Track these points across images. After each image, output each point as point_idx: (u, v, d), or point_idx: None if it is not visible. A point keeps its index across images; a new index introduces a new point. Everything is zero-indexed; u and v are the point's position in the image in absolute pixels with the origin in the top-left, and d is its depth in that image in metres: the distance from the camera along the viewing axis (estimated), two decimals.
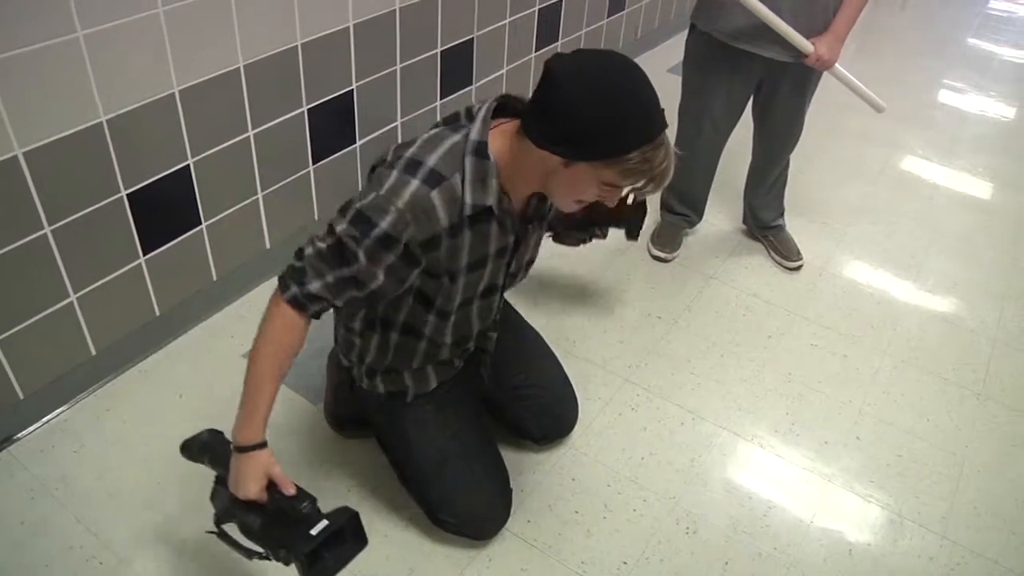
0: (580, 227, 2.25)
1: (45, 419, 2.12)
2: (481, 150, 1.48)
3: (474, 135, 1.49)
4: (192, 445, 1.66)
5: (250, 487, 1.48)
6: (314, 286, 1.48)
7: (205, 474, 2.01)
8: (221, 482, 1.59)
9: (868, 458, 2.24)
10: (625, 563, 1.92)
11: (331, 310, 1.54)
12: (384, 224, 1.43)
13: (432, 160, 1.48)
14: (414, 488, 1.92)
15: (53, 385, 2.11)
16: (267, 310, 1.52)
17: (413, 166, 1.47)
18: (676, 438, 2.24)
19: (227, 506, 1.56)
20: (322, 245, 1.48)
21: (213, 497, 1.61)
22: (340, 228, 1.46)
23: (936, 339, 2.68)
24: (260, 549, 1.53)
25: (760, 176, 2.90)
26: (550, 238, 2.26)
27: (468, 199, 1.49)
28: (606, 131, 1.37)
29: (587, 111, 1.37)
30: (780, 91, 2.56)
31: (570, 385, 2.17)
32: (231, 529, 1.56)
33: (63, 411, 2.15)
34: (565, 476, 2.11)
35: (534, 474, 2.10)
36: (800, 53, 2.35)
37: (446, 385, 1.90)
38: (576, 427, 2.19)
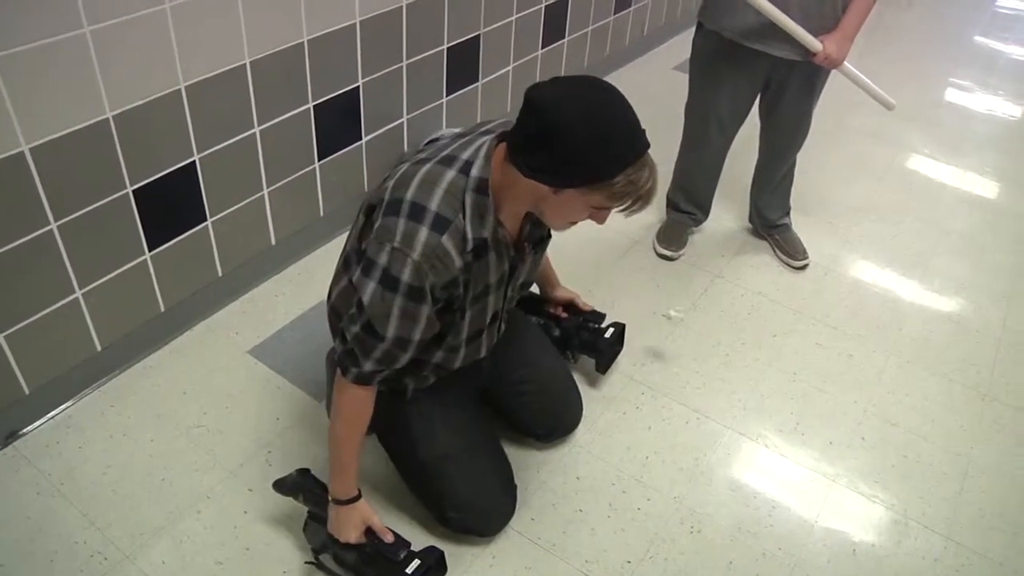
0: (557, 346, 2.27)
1: (50, 414, 2.13)
2: (482, 187, 1.52)
3: (476, 172, 1.52)
4: (285, 483, 1.84)
5: (351, 534, 1.69)
6: (368, 366, 1.60)
7: (209, 470, 2.02)
8: (315, 518, 1.78)
9: (873, 458, 2.24)
10: (629, 562, 1.92)
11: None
12: (406, 278, 1.48)
13: (434, 204, 1.50)
14: (417, 485, 1.92)
15: (58, 380, 2.11)
16: (337, 387, 1.66)
17: (418, 212, 1.50)
18: (681, 437, 2.24)
19: (325, 541, 1.75)
20: (357, 329, 1.56)
21: (306, 529, 1.80)
22: (367, 295, 1.51)
23: (942, 339, 2.67)
24: None
25: (766, 175, 2.89)
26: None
27: (470, 234, 1.52)
28: (591, 158, 1.40)
29: (570, 140, 1.39)
30: (787, 90, 2.56)
31: (573, 382, 2.17)
32: (327, 560, 1.77)
33: (68, 407, 2.16)
34: (569, 474, 2.11)
35: (538, 472, 2.10)
36: (809, 51, 2.34)
37: (445, 381, 1.90)
38: (580, 425, 2.19)
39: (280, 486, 1.83)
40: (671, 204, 2.99)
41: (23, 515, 1.89)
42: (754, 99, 2.65)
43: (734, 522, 2.03)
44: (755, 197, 2.99)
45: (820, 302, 2.78)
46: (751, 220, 3.08)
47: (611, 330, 2.31)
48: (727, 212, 3.16)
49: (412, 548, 1.71)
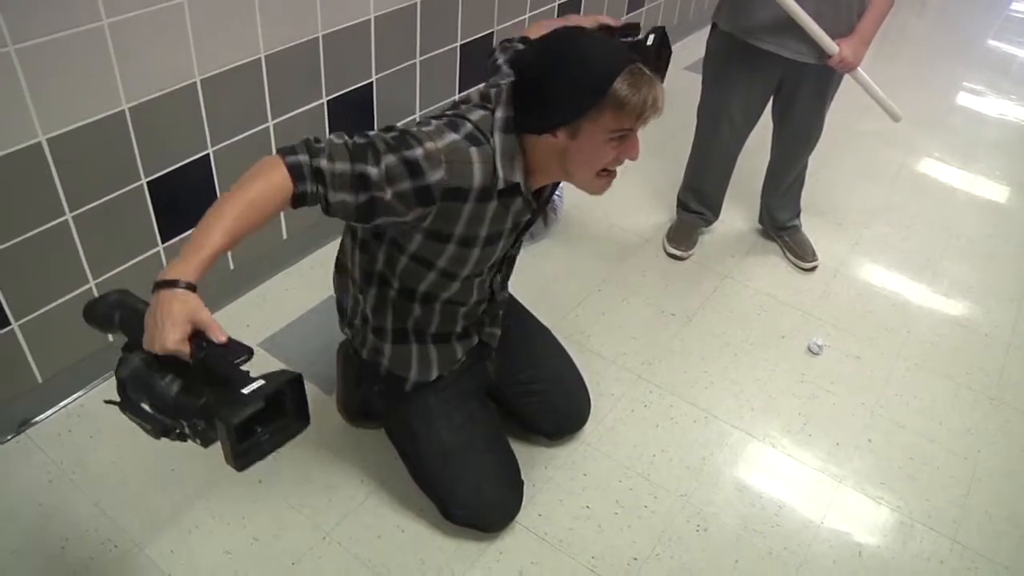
0: None
1: (63, 403, 2.14)
2: (508, 126, 1.52)
3: (500, 112, 1.53)
4: (98, 307, 1.33)
5: (169, 334, 1.17)
6: (323, 163, 1.38)
7: (217, 461, 2.03)
8: (131, 348, 1.26)
9: (880, 460, 2.24)
10: (635, 559, 1.92)
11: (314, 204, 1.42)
12: (418, 153, 1.44)
13: (469, 125, 1.52)
14: (424, 481, 1.93)
15: (71, 370, 2.13)
16: (258, 164, 1.38)
17: (454, 124, 1.51)
18: (688, 436, 2.25)
19: (136, 369, 1.23)
20: (348, 139, 1.43)
21: (119, 367, 1.26)
22: (375, 133, 1.47)
23: (950, 342, 2.67)
24: (172, 423, 1.22)
25: (778, 177, 2.89)
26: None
27: (502, 173, 1.52)
28: (581, 78, 1.43)
29: (556, 74, 1.44)
30: (800, 92, 2.56)
31: (581, 380, 2.18)
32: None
33: (80, 396, 2.17)
34: (576, 471, 2.11)
35: (545, 469, 2.11)
36: (823, 54, 2.34)
37: (449, 378, 1.90)
38: (588, 423, 2.20)
39: (91, 313, 1.34)
40: (681, 204, 2.99)
41: (35, 502, 1.91)
42: (767, 101, 2.65)
43: (740, 521, 2.04)
44: (766, 199, 3.00)
45: (829, 304, 2.78)
46: (761, 221, 3.09)
47: (652, 36, 2.18)
48: (737, 213, 3.17)
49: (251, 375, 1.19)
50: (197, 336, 1.19)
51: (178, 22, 1.94)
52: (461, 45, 2.88)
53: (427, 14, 2.65)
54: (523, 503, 1.96)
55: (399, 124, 1.51)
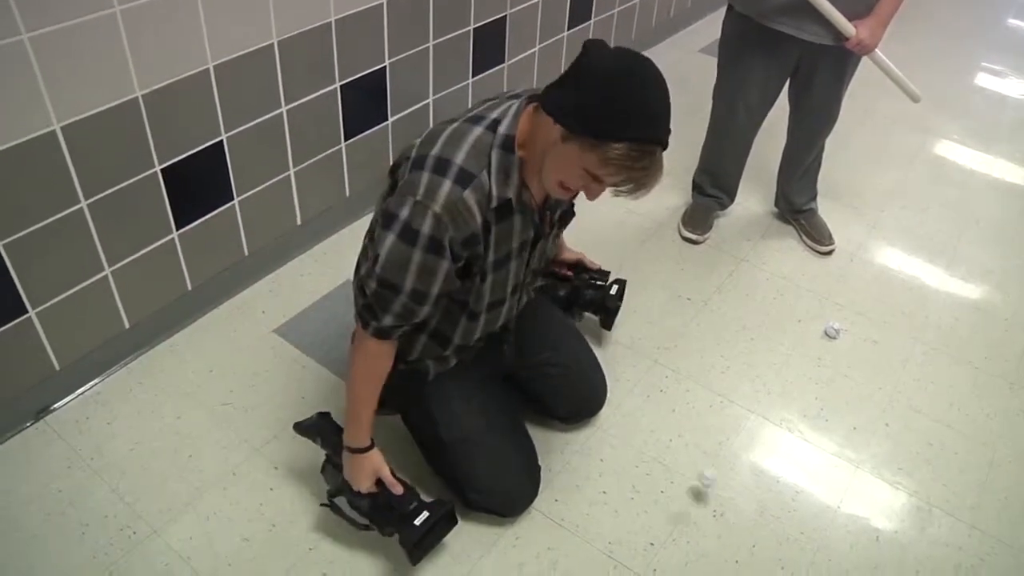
0: (562, 306, 2.27)
1: (80, 391, 2.16)
2: (508, 144, 1.52)
3: (503, 129, 1.53)
4: (305, 425, 1.87)
5: (363, 483, 1.73)
6: (387, 321, 1.61)
7: (235, 448, 2.05)
8: (332, 462, 1.82)
9: (897, 445, 2.23)
10: (652, 544, 1.92)
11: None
12: (426, 231, 1.48)
13: (460, 158, 1.51)
14: (440, 465, 1.94)
15: (88, 357, 2.14)
16: (355, 341, 1.70)
17: (442, 167, 1.50)
18: (704, 421, 2.24)
19: (340, 486, 1.78)
20: (375, 285, 1.58)
21: (324, 471, 1.84)
22: (385, 248, 1.53)
23: (968, 327, 2.65)
24: (366, 522, 1.76)
25: (794, 160, 2.87)
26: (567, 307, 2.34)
27: (495, 191, 1.52)
28: (604, 113, 1.40)
29: (596, 90, 1.40)
30: (817, 75, 2.53)
31: (598, 364, 2.17)
32: (342, 503, 1.78)
33: (97, 383, 2.18)
34: (593, 456, 2.11)
35: (562, 454, 2.11)
36: (840, 35, 2.31)
37: (467, 363, 1.91)
38: (604, 408, 2.19)
39: (300, 427, 1.88)
40: (697, 188, 2.97)
41: (55, 488, 1.92)
42: (783, 84, 2.63)
43: (757, 506, 2.03)
44: (782, 182, 2.97)
45: (846, 288, 2.76)
46: (777, 204, 3.06)
47: (615, 287, 2.35)
48: (753, 196, 3.14)
49: (423, 499, 1.76)
50: (381, 482, 1.75)
51: (190, 8, 1.93)
52: (474, 28, 2.86)
53: None
54: (540, 488, 1.96)
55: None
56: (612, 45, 1.45)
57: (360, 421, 1.71)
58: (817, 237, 2.93)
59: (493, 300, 1.74)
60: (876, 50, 2.38)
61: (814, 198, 2.99)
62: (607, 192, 1.53)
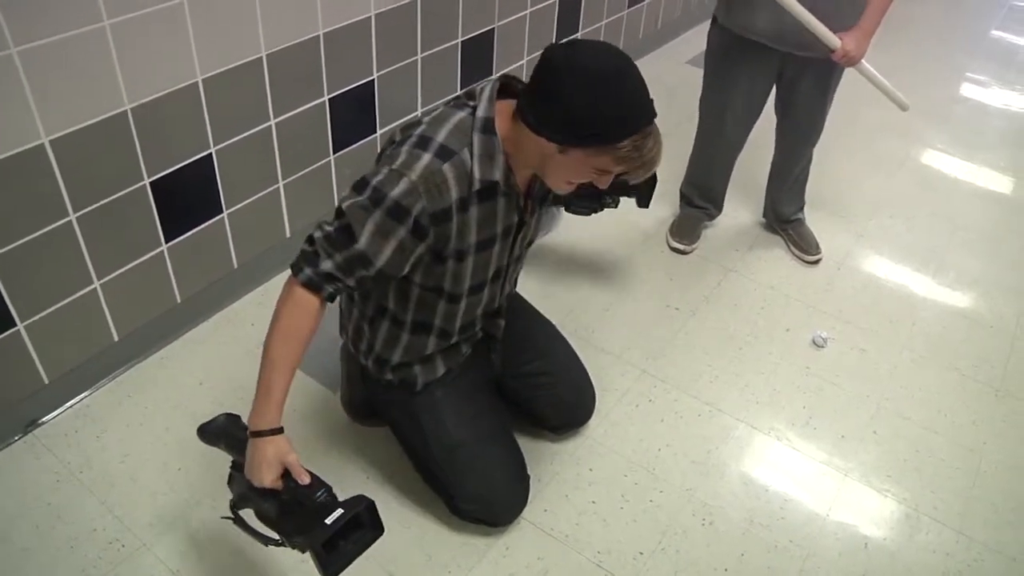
0: (592, 197, 2.25)
1: (69, 404, 2.15)
2: (488, 127, 1.52)
3: (481, 112, 1.53)
4: (208, 429, 1.67)
5: (264, 475, 1.48)
6: (326, 265, 1.51)
7: (225, 459, 2.04)
8: (237, 467, 1.58)
9: (885, 453, 2.24)
10: (641, 553, 1.93)
11: (344, 293, 1.58)
12: (395, 194, 1.47)
13: (442, 136, 1.52)
14: (430, 475, 1.94)
15: (77, 370, 2.14)
16: (281, 296, 1.55)
17: (423, 142, 1.52)
18: (693, 430, 2.25)
19: (244, 492, 1.56)
20: (330, 228, 1.52)
21: (230, 482, 1.61)
22: (348, 204, 1.50)
23: (955, 334, 2.67)
24: (276, 536, 1.52)
25: (782, 171, 2.89)
26: (563, 209, 2.26)
27: (477, 174, 1.53)
28: (600, 121, 1.42)
29: (582, 101, 1.41)
30: (802, 85, 2.56)
31: (586, 373, 2.18)
32: (247, 515, 1.57)
33: (86, 396, 2.18)
34: (582, 466, 2.12)
35: (551, 464, 2.11)
36: (826, 48, 2.34)
37: (455, 371, 1.91)
38: (593, 417, 2.20)
39: (204, 433, 1.67)
40: (684, 199, 2.99)
41: (43, 501, 1.92)
42: (768, 93, 2.65)
43: (746, 515, 2.04)
44: (770, 193, 3.00)
45: (833, 296, 2.78)
46: (765, 215, 3.09)
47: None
48: (741, 207, 3.16)
49: (336, 495, 1.50)
50: (287, 473, 1.49)
51: (179, 22, 1.94)
52: (462, 41, 2.88)
53: (428, 11, 2.65)
54: (529, 498, 1.96)
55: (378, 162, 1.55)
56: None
57: (270, 395, 1.51)
58: (804, 247, 2.94)
59: (474, 284, 1.72)
60: (863, 61, 2.40)
61: (802, 208, 3.01)
62: None
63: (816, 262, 2.93)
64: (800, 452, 2.22)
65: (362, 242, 1.49)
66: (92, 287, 2.07)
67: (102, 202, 1.98)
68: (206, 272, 2.38)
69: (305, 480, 1.48)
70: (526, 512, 1.96)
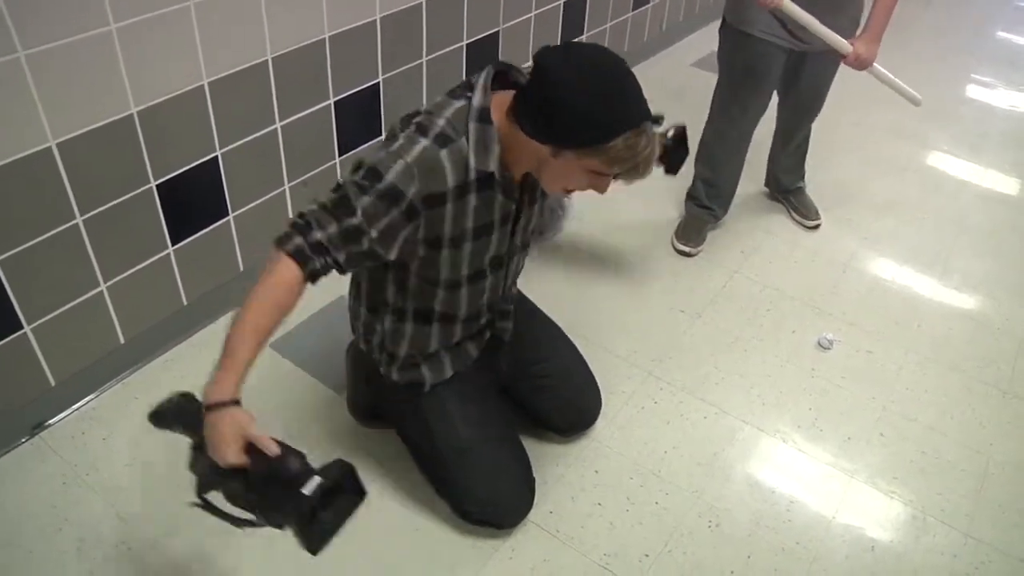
0: None
1: (75, 406, 2.16)
2: (484, 116, 1.53)
3: (476, 102, 1.54)
4: (164, 412, 1.49)
5: (226, 452, 1.32)
6: (318, 235, 1.46)
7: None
8: (199, 449, 1.42)
9: (891, 454, 2.23)
10: (647, 556, 1.93)
11: (328, 273, 1.51)
12: (390, 176, 1.47)
13: (440, 124, 1.53)
14: (436, 478, 1.94)
15: (83, 373, 2.14)
16: (266, 265, 1.48)
17: (422, 129, 1.53)
18: (699, 432, 2.25)
19: (207, 473, 1.39)
20: (325, 201, 1.49)
21: (192, 466, 1.44)
22: (345, 181, 1.50)
23: (961, 336, 2.66)
24: (250, 516, 1.37)
25: (783, 142, 2.98)
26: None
27: (473, 162, 1.53)
28: (589, 121, 1.43)
29: (571, 102, 1.42)
30: (805, 68, 2.62)
31: (591, 375, 2.18)
32: (217, 499, 1.41)
33: (92, 399, 2.19)
34: (588, 468, 2.11)
35: (556, 466, 2.11)
36: (839, 54, 2.37)
37: (463, 374, 1.91)
38: (599, 420, 2.20)
39: (157, 418, 1.51)
40: (692, 199, 2.99)
41: (50, 504, 1.92)
42: (774, 89, 2.71)
43: (752, 517, 2.04)
44: (772, 163, 3.10)
45: (839, 299, 2.77)
46: (767, 184, 3.19)
47: (671, 131, 2.21)
48: (745, 209, 3.16)
49: (309, 464, 1.36)
50: (254, 447, 1.33)
51: (185, 25, 1.95)
52: (467, 44, 2.88)
53: (433, 14, 2.65)
54: (535, 500, 1.96)
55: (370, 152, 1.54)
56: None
57: (232, 364, 1.39)
58: (805, 213, 3.07)
59: (472, 272, 1.71)
60: (875, 63, 2.42)
61: (802, 177, 3.12)
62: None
63: (816, 227, 3.07)
64: (806, 454, 2.22)
65: (357, 216, 1.47)
66: (98, 290, 2.07)
67: (108, 205, 1.99)
68: (212, 275, 2.38)
69: (274, 451, 1.33)
70: (532, 514, 1.96)
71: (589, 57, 1.46)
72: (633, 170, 1.50)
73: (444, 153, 1.50)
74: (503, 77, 1.59)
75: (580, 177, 1.54)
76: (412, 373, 1.87)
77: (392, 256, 1.57)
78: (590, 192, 1.60)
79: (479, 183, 1.56)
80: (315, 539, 1.32)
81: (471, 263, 1.69)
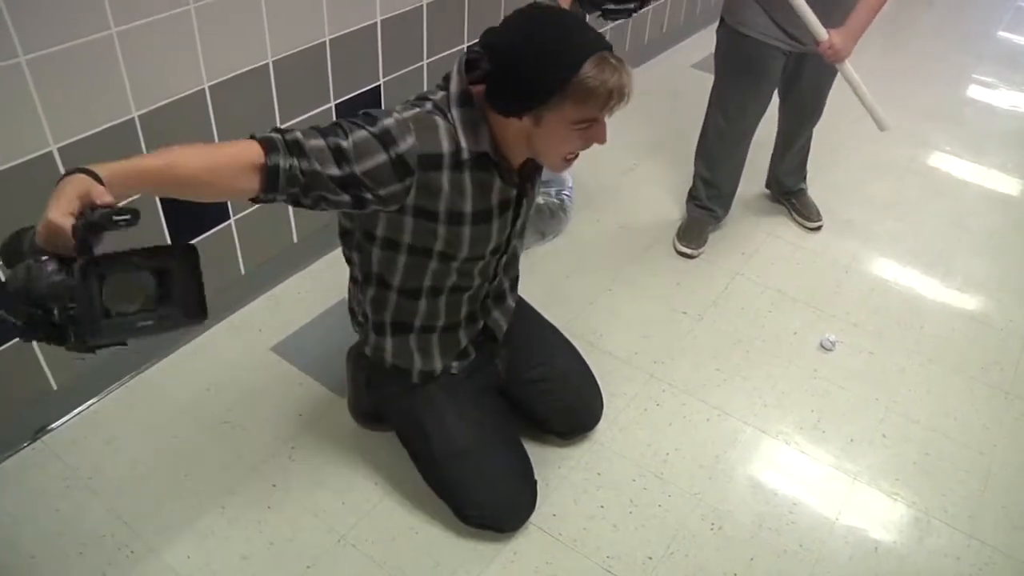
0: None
1: (78, 410, 2.15)
2: (465, 99, 1.54)
3: (454, 88, 1.55)
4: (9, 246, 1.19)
5: (53, 208, 1.09)
6: (297, 135, 1.38)
7: (232, 466, 2.04)
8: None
9: (894, 456, 2.23)
10: (650, 558, 1.92)
11: (287, 192, 1.39)
12: (388, 122, 1.47)
13: (431, 103, 1.55)
14: (436, 482, 1.93)
15: (86, 377, 2.14)
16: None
17: (418, 102, 1.55)
18: (701, 434, 2.24)
19: (8, 242, 1.15)
20: (317, 126, 1.45)
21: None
22: (343, 119, 1.49)
23: (964, 337, 2.66)
24: (40, 308, 1.07)
25: (784, 144, 2.99)
26: (599, 17, 2.19)
27: (464, 143, 1.53)
28: (543, 69, 1.43)
29: (521, 60, 1.44)
30: (805, 71, 2.63)
31: (592, 378, 2.18)
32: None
33: (95, 403, 2.18)
34: (590, 471, 2.11)
35: (559, 468, 2.11)
36: (814, 39, 2.38)
37: (457, 372, 1.91)
38: (601, 422, 2.19)
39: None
40: (693, 199, 2.99)
41: (52, 508, 1.92)
42: (774, 88, 2.71)
43: (755, 519, 2.03)
44: (774, 166, 3.10)
45: (841, 300, 2.77)
46: (768, 187, 3.19)
47: None
48: (747, 211, 3.16)
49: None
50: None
51: (186, 29, 1.95)
52: (468, 47, 2.88)
53: (433, 16, 2.65)
54: (537, 503, 1.96)
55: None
56: None
57: (130, 159, 1.22)
58: (806, 214, 3.08)
59: (471, 255, 1.70)
60: (847, 64, 2.43)
61: (804, 179, 3.12)
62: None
63: (817, 228, 3.06)
64: (809, 456, 2.21)
65: (348, 141, 1.41)
66: None
67: None
68: (214, 279, 2.35)
69: (108, 199, 1.10)
70: (534, 517, 1.96)
71: (522, 16, 1.49)
72: (609, 98, 1.47)
73: (439, 119, 1.52)
74: (473, 67, 1.54)
75: (571, 135, 1.52)
76: (402, 355, 1.86)
77: (366, 204, 1.47)
78: (595, 147, 1.59)
79: (474, 163, 1.56)
80: (95, 326, 1.07)
81: (472, 248, 1.68)
